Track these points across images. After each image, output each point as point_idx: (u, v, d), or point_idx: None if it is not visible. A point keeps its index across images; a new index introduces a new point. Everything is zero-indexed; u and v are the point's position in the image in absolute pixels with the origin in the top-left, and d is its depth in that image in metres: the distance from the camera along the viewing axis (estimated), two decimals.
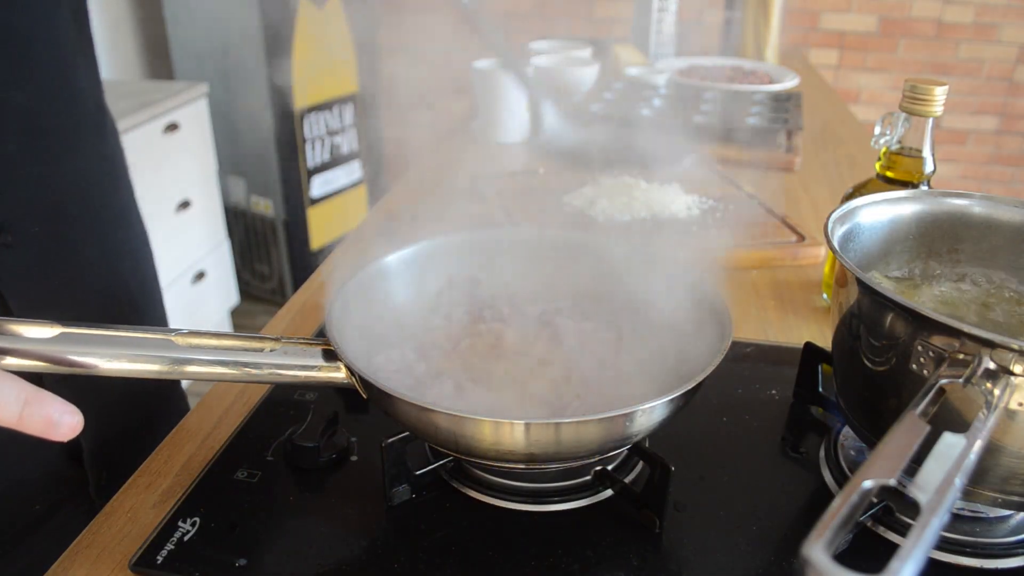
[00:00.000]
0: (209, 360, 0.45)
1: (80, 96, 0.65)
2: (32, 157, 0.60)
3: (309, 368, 0.48)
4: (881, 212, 0.57)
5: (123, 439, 0.66)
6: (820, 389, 0.61)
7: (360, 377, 0.46)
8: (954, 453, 0.34)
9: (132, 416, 0.69)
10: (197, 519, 0.50)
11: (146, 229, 0.79)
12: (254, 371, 0.46)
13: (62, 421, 0.39)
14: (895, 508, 0.49)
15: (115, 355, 0.44)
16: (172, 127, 2.06)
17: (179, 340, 0.44)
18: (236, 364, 0.46)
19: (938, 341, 0.42)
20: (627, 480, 0.53)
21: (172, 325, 0.62)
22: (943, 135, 3.01)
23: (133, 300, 0.74)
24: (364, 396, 0.49)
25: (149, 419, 0.71)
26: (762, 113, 1.36)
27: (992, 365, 0.39)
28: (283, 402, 0.61)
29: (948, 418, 0.41)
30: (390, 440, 0.49)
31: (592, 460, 0.50)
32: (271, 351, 0.47)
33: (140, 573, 0.46)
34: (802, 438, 0.58)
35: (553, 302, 0.65)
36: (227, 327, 2.47)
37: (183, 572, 0.46)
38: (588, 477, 0.53)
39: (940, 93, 0.65)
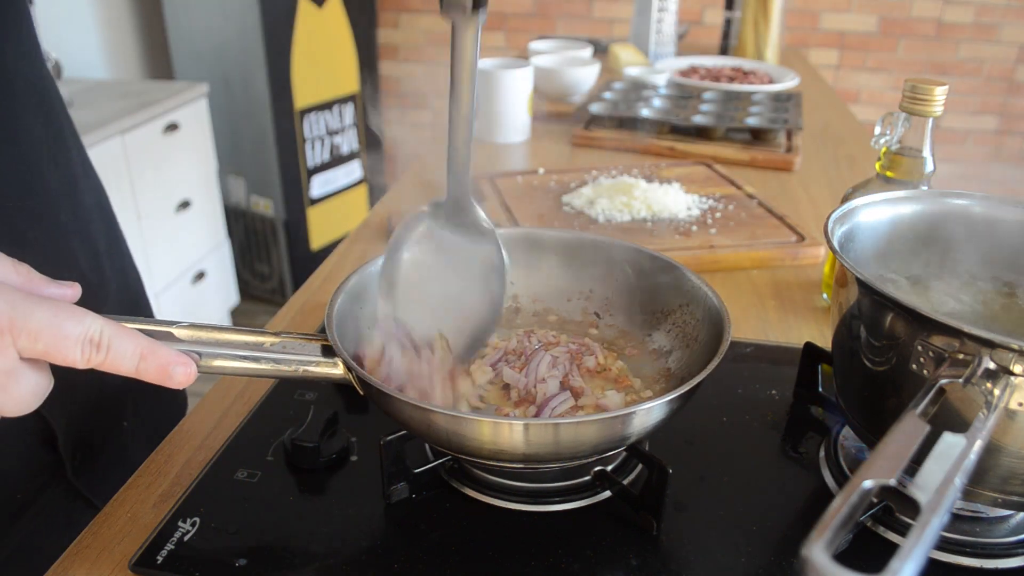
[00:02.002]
0: (209, 353, 0.45)
1: (10, 78, 0.62)
2: None
3: (307, 363, 0.48)
4: (881, 212, 0.57)
5: (95, 418, 0.66)
6: (820, 389, 0.61)
7: (357, 374, 0.46)
8: (954, 453, 0.34)
9: (103, 394, 0.68)
10: (197, 519, 0.49)
11: (106, 194, 0.76)
12: (253, 364, 0.47)
13: (175, 371, 0.42)
14: (895, 508, 0.49)
15: None
16: (172, 127, 2.06)
17: (179, 333, 0.45)
18: (236, 357, 0.46)
19: (938, 341, 0.42)
20: (627, 481, 0.53)
21: None
22: (943, 135, 3.01)
23: (84, 277, 0.70)
24: (361, 393, 0.49)
25: (121, 397, 0.71)
26: (762, 113, 1.36)
27: (992, 365, 0.39)
28: (283, 402, 0.61)
29: (948, 418, 0.41)
30: (388, 438, 0.49)
31: (591, 460, 0.50)
32: (271, 345, 0.47)
33: (140, 573, 0.46)
34: (802, 438, 0.58)
35: (553, 302, 0.66)
36: None
37: (183, 572, 0.46)
38: (588, 477, 0.53)
39: (940, 93, 0.65)
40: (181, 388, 0.43)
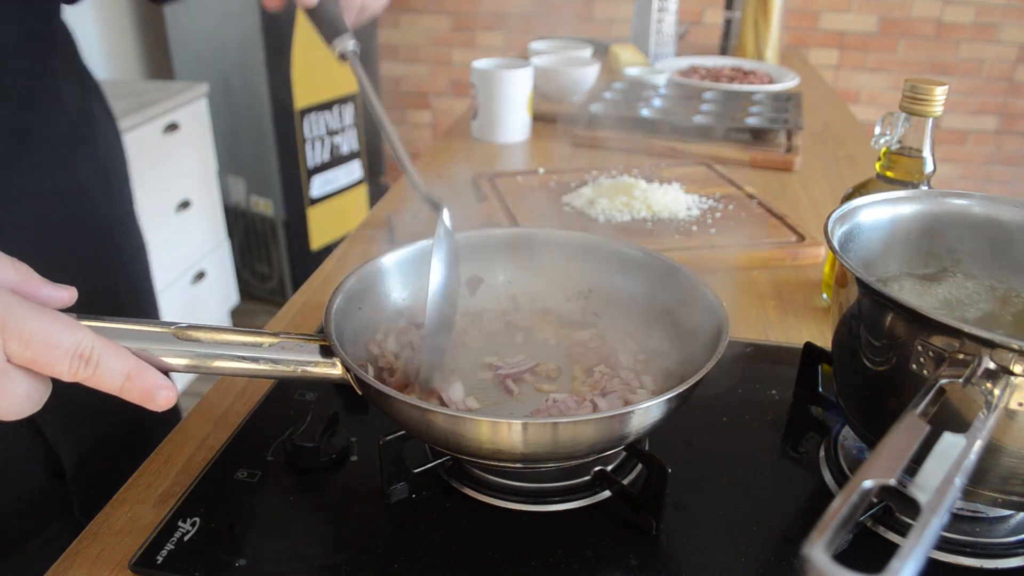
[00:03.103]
0: (207, 354, 0.45)
1: (64, 107, 0.65)
2: (20, 170, 0.60)
3: (306, 364, 0.48)
4: (881, 212, 0.57)
5: (106, 456, 0.66)
6: (820, 389, 0.61)
7: (355, 374, 0.46)
8: (954, 453, 0.34)
9: (115, 431, 0.68)
10: (197, 519, 0.49)
11: (143, 236, 0.78)
12: (251, 365, 0.46)
13: (159, 395, 0.41)
14: (895, 508, 0.49)
15: None
16: (172, 127, 2.06)
17: (178, 333, 0.45)
18: (235, 358, 0.46)
19: (938, 341, 0.42)
20: (626, 481, 0.53)
21: None
22: (943, 135, 3.01)
23: (123, 308, 0.73)
24: (359, 393, 0.49)
25: (133, 436, 0.70)
26: (762, 113, 1.36)
27: (992, 365, 0.39)
28: (283, 402, 0.61)
29: (948, 418, 0.41)
30: (387, 438, 0.49)
31: (590, 460, 0.50)
32: (269, 346, 0.47)
33: (140, 573, 0.46)
34: (802, 438, 0.58)
35: (553, 301, 0.66)
36: None
37: (183, 572, 0.46)
38: (588, 477, 0.53)
39: (940, 93, 0.65)
40: (161, 411, 0.42)
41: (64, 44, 0.69)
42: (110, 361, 0.40)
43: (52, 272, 0.63)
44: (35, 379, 0.39)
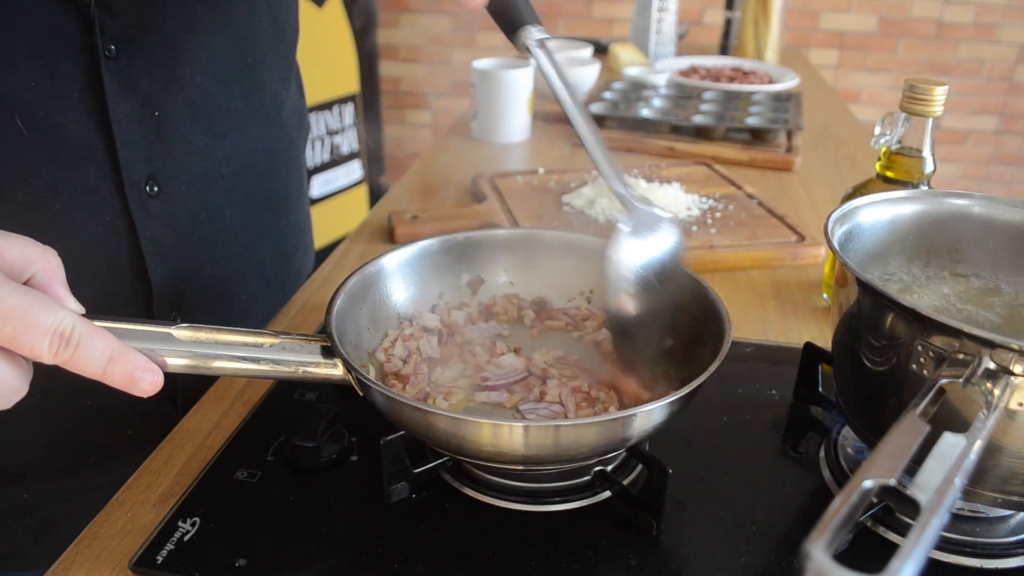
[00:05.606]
0: (208, 354, 0.45)
1: (259, 88, 0.74)
2: (198, 128, 0.67)
3: (307, 364, 0.48)
4: (881, 212, 0.57)
5: None
6: (820, 389, 0.61)
7: (357, 375, 0.46)
8: (954, 453, 0.34)
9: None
10: (197, 519, 0.49)
11: (308, 216, 0.88)
12: (252, 365, 0.46)
13: (142, 378, 0.41)
14: (895, 508, 0.49)
15: None
16: None
17: (179, 333, 0.44)
18: (235, 358, 0.46)
19: (938, 341, 0.42)
20: (626, 481, 0.53)
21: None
22: (943, 135, 3.01)
23: (268, 280, 0.80)
24: (360, 394, 0.49)
25: None
26: (762, 113, 1.36)
27: (992, 365, 0.39)
28: (283, 402, 0.61)
29: (948, 418, 0.41)
30: (388, 438, 0.49)
31: (591, 461, 0.50)
32: (270, 346, 0.47)
33: (140, 573, 0.46)
34: (802, 438, 0.58)
35: (553, 302, 0.65)
36: None
37: (183, 572, 0.46)
38: (588, 477, 0.53)
39: (940, 93, 0.65)
40: (146, 396, 0.42)
41: (284, 35, 0.79)
42: (91, 343, 0.39)
43: (212, 225, 0.71)
44: (9, 366, 0.38)
